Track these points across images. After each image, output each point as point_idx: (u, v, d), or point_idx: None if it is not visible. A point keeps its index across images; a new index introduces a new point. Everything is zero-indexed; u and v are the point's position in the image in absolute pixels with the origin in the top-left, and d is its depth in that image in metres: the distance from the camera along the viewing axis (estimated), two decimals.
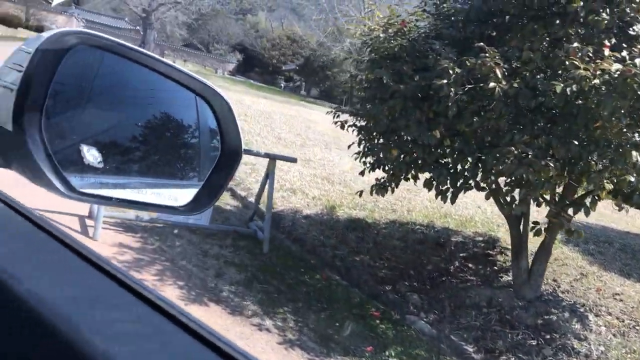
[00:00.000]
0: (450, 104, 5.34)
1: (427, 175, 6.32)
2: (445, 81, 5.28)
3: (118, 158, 1.06)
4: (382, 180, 6.81)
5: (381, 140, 6.76)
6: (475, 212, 9.70)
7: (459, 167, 6.12)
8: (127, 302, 0.66)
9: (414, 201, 9.92)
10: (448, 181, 5.96)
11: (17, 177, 1.08)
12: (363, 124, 7.09)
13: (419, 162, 6.33)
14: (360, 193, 7.32)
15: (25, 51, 0.98)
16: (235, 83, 32.96)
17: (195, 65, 48.33)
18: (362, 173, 7.11)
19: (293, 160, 8.42)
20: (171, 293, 5.22)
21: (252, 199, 8.89)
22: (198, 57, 58.29)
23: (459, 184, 6.00)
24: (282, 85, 53.80)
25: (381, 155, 6.58)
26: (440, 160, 6.31)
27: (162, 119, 1.14)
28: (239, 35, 68.79)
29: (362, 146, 7.04)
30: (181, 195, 1.08)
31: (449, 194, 6.03)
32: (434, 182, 6.09)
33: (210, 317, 4.95)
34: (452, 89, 5.30)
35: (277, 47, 58.83)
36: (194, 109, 1.14)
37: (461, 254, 7.96)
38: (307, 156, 12.92)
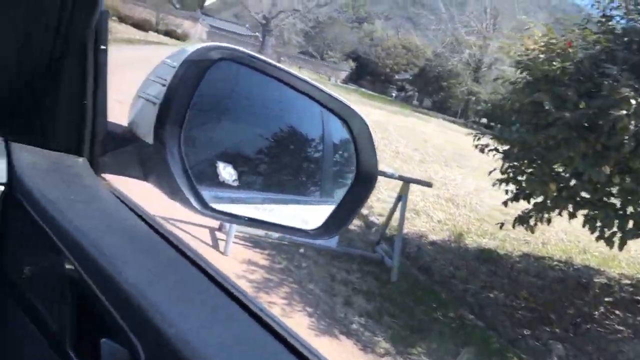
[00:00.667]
0: (627, 137, 4.64)
1: (584, 212, 5.54)
2: (624, 112, 4.62)
3: (251, 174, 1.05)
4: (528, 213, 6.08)
5: (530, 170, 6.08)
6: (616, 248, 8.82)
7: (630, 209, 5.23)
8: (250, 328, 0.64)
9: (548, 232, 9.01)
10: (615, 224, 5.16)
11: (152, 188, 1.10)
12: (506, 148, 6.44)
13: (580, 199, 5.53)
14: (501, 225, 6.70)
15: (169, 65, 0.99)
16: (348, 91, 33.29)
17: (309, 72, 49.43)
18: (505, 203, 6.48)
19: (428, 185, 7.66)
20: (300, 320, 5.10)
21: (373, 218, 8.58)
22: (312, 64, 59.65)
23: (628, 228, 5.12)
24: (394, 94, 53.65)
25: (528, 186, 5.94)
26: (606, 200, 5.43)
27: (296, 136, 1.12)
28: (353, 43, 69.65)
29: (505, 173, 6.41)
30: (312, 217, 1.05)
31: (616, 239, 5.25)
32: (597, 225, 5.32)
33: (342, 352, 4.77)
34: (632, 122, 4.62)
35: (391, 56, 58.83)
36: (322, 127, 1.12)
37: (606, 299, 7.04)
38: (427, 174, 12.44)
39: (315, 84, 1.01)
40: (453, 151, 14.59)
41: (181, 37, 43.75)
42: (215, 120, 1.04)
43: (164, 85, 0.97)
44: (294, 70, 1.02)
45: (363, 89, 48.67)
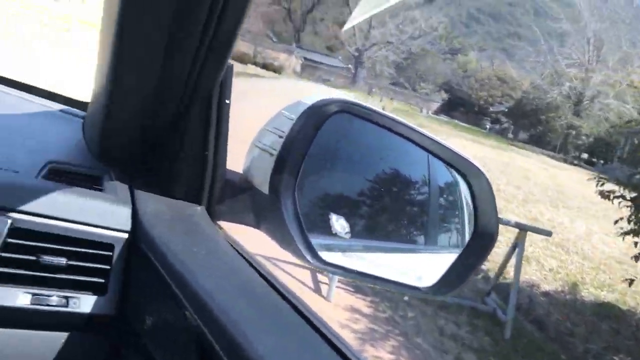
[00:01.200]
0: None
1: None
2: None
3: (363, 224, 1.05)
4: None
5: None
6: None
7: None
8: None
9: None
10: None
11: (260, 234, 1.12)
12: (634, 195, 5.92)
13: None
14: (631, 282, 6.25)
15: (286, 117, 1.00)
16: (440, 123, 32.79)
17: (400, 103, 49.38)
18: (636, 258, 5.96)
19: (548, 234, 6.87)
20: None
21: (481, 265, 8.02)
22: (403, 95, 59.59)
23: None
24: (488, 126, 52.32)
25: None
26: None
27: (407, 185, 1.10)
28: (446, 74, 68.99)
29: (635, 223, 5.86)
30: (424, 271, 1.02)
31: None
32: None
33: None
34: None
35: (486, 88, 57.64)
36: (428, 170, 1.10)
37: None
38: (532, 215, 11.73)
39: (434, 137, 0.99)
40: (556, 189, 13.76)
41: (277, 70, 45.27)
42: (328, 171, 1.04)
43: (280, 137, 0.99)
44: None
45: (456, 121, 47.87)
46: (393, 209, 1.11)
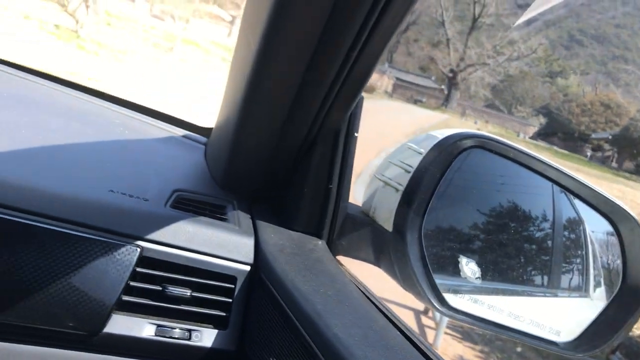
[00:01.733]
0: None
1: None
2: None
3: (494, 267, 0.97)
4: None
5: None
6: None
7: None
8: None
9: None
10: None
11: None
12: None
13: None
14: None
15: (414, 150, 0.95)
16: (538, 149, 31.40)
17: (496, 127, 47.96)
18: None
19: None
20: None
21: None
22: (499, 119, 57.90)
23: None
24: (589, 154, 49.63)
25: None
26: None
27: (539, 229, 1.01)
28: (544, 98, 66.39)
29: None
30: (563, 326, 0.92)
31: None
32: None
33: None
34: None
35: (587, 113, 54.86)
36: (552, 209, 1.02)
37: None
38: None
39: (578, 177, 0.90)
40: None
41: (368, 89, 45.47)
42: (457, 209, 0.98)
43: (407, 171, 0.94)
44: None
45: (555, 147, 45.82)
46: (524, 250, 1.03)
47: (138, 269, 0.80)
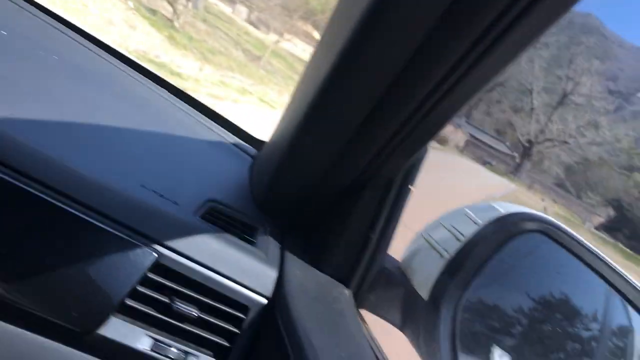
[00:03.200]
0: None
1: None
2: None
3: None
4: None
5: None
6: None
7: None
8: None
9: None
10: None
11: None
12: None
13: None
14: None
15: (470, 218, 0.88)
16: (603, 243, 30.11)
17: (562, 208, 46.41)
18: None
19: None
20: None
21: None
22: (565, 200, 56.08)
23: None
24: None
25: None
26: None
27: (582, 334, 0.93)
28: (617, 190, 63.90)
29: None
30: None
31: None
32: None
33: None
34: None
35: None
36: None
37: None
38: None
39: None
40: None
41: (440, 141, 45.09)
42: (503, 294, 0.90)
43: (458, 239, 0.87)
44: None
45: (620, 244, 43.88)
46: (566, 348, 0.94)
47: (149, 275, 0.74)
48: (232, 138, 1.28)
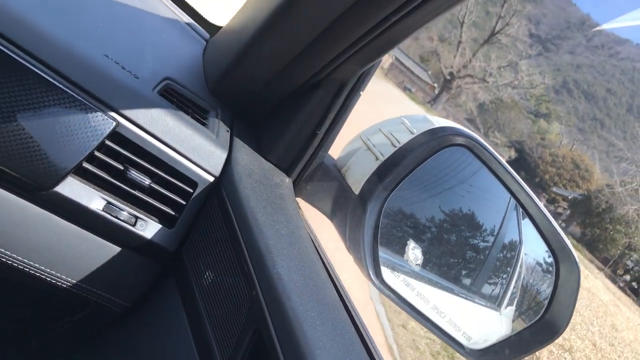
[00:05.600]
0: None
1: None
2: None
3: (434, 262, 1.03)
4: None
5: None
6: None
7: None
8: None
9: None
10: None
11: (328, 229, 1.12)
12: None
13: None
14: None
15: (406, 127, 0.99)
16: None
17: None
18: None
19: None
20: None
21: None
22: None
23: None
24: (541, 202, 51.15)
25: None
26: None
27: (489, 240, 1.09)
28: (522, 133, 67.65)
29: None
30: (476, 335, 1.00)
31: None
32: None
33: None
34: None
35: (556, 165, 56.40)
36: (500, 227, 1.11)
37: None
38: None
39: (544, 210, 0.97)
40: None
41: None
42: (423, 198, 1.03)
43: (393, 145, 0.98)
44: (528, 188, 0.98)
45: None
46: (464, 255, 1.10)
47: (107, 142, 0.80)
48: (187, 19, 1.30)
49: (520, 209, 1.04)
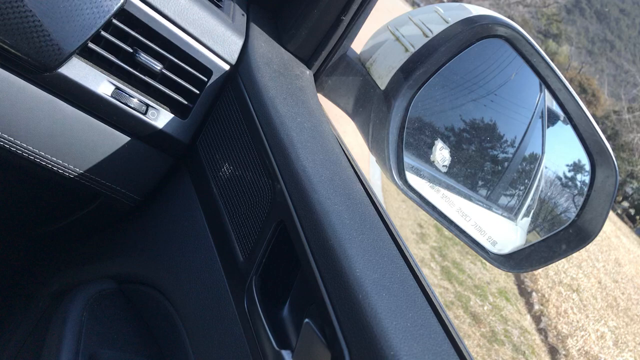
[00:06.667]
0: None
1: None
2: None
3: (461, 166, 0.99)
4: None
5: None
6: None
7: None
8: None
9: None
10: None
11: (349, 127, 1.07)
12: None
13: None
14: None
15: (440, 15, 0.92)
16: None
17: None
18: None
19: None
20: None
21: None
22: None
23: None
24: None
25: None
26: None
27: (522, 146, 1.05)
28: None
29: None
30: (502, 240, 0.98)
31: None
32: None
33: None
34: None
35: None
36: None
37: None
38: None
39: (583, 106, 0.91)
40: None
41: None
42: (456, 96, 0.98)
43: (426, 36, 0.91)
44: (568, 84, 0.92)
45: None
46: (500, 167, 1.06)
47: (114, 21, 0.74)
48: None
49: (547, 117, 0.99)
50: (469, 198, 1.00)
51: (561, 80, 0.90)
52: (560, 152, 1.08)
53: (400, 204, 6.82)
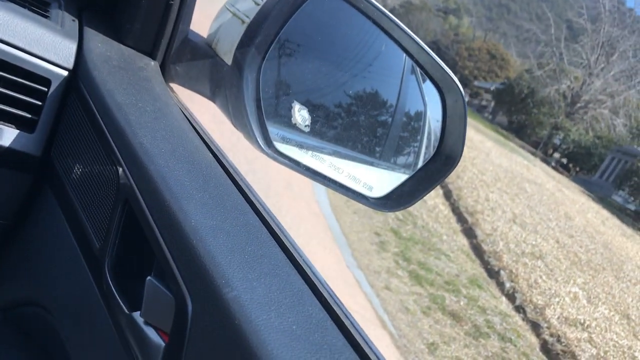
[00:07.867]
0: None
1: None
2: None
3: (323, 122, 1.04)
4: None
5: None
6: None
7: None
8: (319, 316, 0.60)
9: None
10: None
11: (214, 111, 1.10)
12: None
13: None
14: None
15: None
16: None
17: None
18: None
19: None
20: None
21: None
22: None
23: None
24: (466, 99, 52.77)
25: None
26: None
27: (375, 94, 1.10)
28: (435, 33, 68.68)
29: None
30: (376, 185, 1.03)
31: None
32: None
33: None
34: None
35: (474, 59, 57.86)
36: (399, 91, 1.11)
37: None
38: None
39: (419, 41, 0.98)
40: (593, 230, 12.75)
41: None
42: (300, 57, 1.02)
43: (257, 4, 0.96)
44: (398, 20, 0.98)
45: None
46: (357, 116, 1.10)
47: None
48: None
49: (414, 67, 1.04)
50: (338, 153, 1.05)
51: (391, 20, 0.96)
52: (431, 98, 1.13)
53: (352, 217, 6.89)
